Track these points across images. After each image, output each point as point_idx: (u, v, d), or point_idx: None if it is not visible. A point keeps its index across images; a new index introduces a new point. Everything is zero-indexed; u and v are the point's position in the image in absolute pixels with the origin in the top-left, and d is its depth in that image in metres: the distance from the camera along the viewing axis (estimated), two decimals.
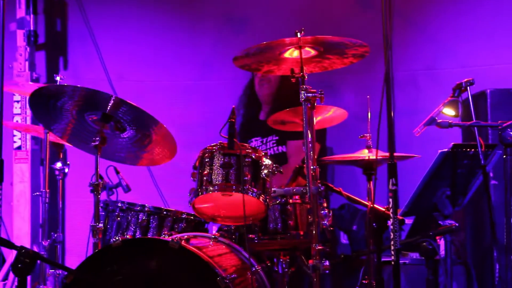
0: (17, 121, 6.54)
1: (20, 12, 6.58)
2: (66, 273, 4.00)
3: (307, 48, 3.95)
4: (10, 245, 3.32)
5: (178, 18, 6.75)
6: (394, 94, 3.52)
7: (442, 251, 4.31)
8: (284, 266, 4.33)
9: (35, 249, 5.32)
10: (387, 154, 3.51)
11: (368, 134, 4.42)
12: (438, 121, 4.13)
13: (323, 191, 3.91)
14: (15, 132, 6.48)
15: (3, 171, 4.22)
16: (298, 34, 3.83)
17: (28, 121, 6.47)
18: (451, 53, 6.36)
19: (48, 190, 5.22)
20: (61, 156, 5.10)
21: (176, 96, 6.62)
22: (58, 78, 4.93)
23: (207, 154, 4.03)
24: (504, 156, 4.22)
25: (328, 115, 4.42)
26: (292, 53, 3.99)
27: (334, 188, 4.55)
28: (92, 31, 6.60)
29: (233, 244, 4.19)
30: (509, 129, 4.07)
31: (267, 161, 4.06)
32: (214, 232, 4.53)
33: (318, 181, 3.80)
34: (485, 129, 5.09)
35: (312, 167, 3.77)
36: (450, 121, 4.13)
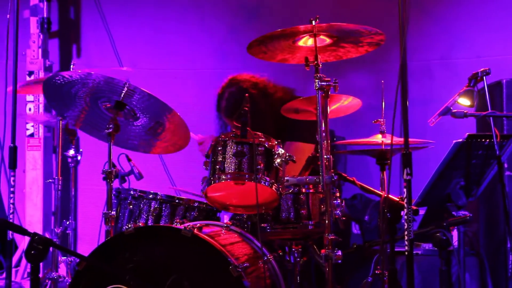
0: (30, 108, 6.57)
1: None
2: (78, 260, 4.02)
3: (322, 36, 3.94)
4: (23, 231, 3.34)
5: (192, 6, 6.74)
6: (408, 83, 3.51)
7: (455, 242, 4.31)
8: (296, 255, 4.33)
9: (47, 236, 5.35)
10: (402, 139, 3.50)
11: (382, 119, 4.40)
12: (453, 111, 4.12)
13: (337, 180, 3.91)
14: (28, 119, 6.51)
15: (17, 158, 4.25)
16: (313, 21, 3.82)
17: (41, 109, 6.49)
18: (467, 43, 6.34)
19: (60, 178, 5.24)
20: (73, 144, 5.12)
21: (189, 84, 6.62)
22: (70, 67, 4.95)
23: (220, 143, 4.03)
24: None
25: (346, 103, 4.41)
26: (306, 41, 3.99)
27: (348, 177, 4.54)
28: (105, 19, 6.61)
29: (245, 233, 4.19)
30: None
31: (280, 150, 4.06)
32: (225, 220, 4.53)
33: (332, 170, 3.81)
34: (500, 120, 5.07)
35: (325, 156, 3.77)
36: (465, 111, 4.11)
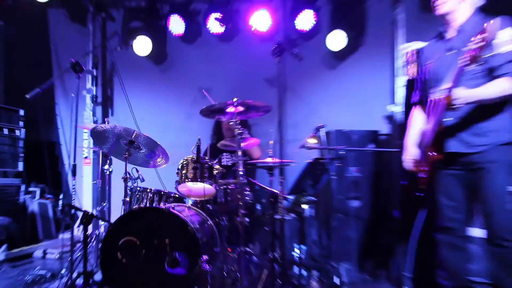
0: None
1: (88, 84, 6.57)
2: (108, 224, 4.02)
3: (239, 107, 3.96)
4: (79, 209, 3.37)
5: (170, 89, 6.70)
6: (286, 133, 3.53)
7: (308, 212, 4.42)
8: (225, 222, 4.31)
9: (94, 212, 5.30)
10: (280, 160, 3.53)
11: (271, 150, 4.29)
12: (306, 145, 4.27)
13: (247, 182, 3.95)
14: (84, 148, 6.45)
15: (76, 170, 4.25)
16: (234, 99, 3.86)
17: (91, 144, 6.42)
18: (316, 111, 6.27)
19: (100, 181, 5.22)
20: (108, 162, 5.10)
21: (171, 127, 6.57)
22: (106, 121, 4.93)
23: (185, 162, 4.09)
24: (337, 164, 4.38)
25: (252, 141, 4.44)
26: (231, 109, 3.98)
27: (252, 180, 4.61)
28: (126, 94, 6.54)
29: (198, 210, 4.18)
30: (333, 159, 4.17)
31: (216, 166, 4.13)
32: (188, 203, 4.53)
33: (245, 176, 3.87)
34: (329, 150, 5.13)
35: (242, 169, 3.79)
36: (312, 146, 4.25)
